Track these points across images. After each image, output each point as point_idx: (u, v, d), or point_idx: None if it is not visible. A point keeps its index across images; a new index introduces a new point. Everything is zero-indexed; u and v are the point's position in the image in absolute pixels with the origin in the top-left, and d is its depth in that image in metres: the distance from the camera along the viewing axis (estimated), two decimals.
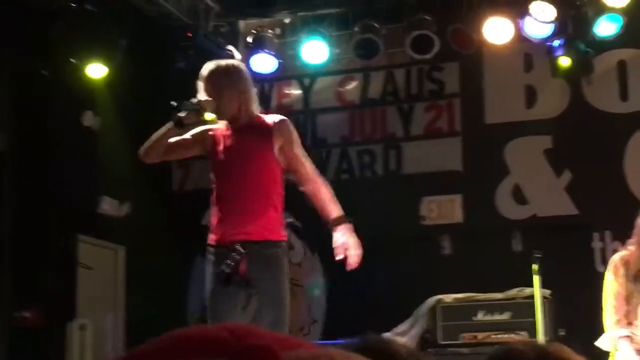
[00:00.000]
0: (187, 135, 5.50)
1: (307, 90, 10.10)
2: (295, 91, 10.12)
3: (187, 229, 9.53)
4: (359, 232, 8.70)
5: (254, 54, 8.95)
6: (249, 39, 9.08)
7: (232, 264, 5.17)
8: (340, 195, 9.51)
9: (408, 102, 9.83)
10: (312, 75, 9.97)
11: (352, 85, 10.00)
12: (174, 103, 5.39)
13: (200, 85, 5.43)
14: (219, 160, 5.44)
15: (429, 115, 9.73)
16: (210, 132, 5.51)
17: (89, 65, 8.64)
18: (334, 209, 5.44)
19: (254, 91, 5.59)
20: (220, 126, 5.50)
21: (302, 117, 9.96)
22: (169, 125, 5.38)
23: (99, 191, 9.61)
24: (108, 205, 9.69)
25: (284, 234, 5.44)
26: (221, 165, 5.43)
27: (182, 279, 9.76)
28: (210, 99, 5.34)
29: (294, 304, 9.33)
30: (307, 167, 5.54)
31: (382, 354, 1.11)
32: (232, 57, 8.60)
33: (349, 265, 5.43)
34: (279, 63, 9.11)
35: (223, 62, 5.72)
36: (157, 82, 9.09)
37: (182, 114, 5.33)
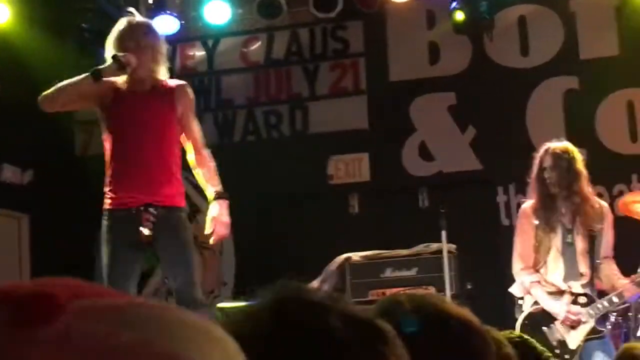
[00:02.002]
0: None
1: (210, 51, 9.99)
2: (199, 52, 10.00)
3: (92, 195, 9.38)
4: (266, 192, 8.69)
5: (155, 15, 8.78)
6: (150, 0, 8.92)
7: (150, 227, 5.15)
8: (248, 156, 9.52)
9: (313, 62, 9.81)
10: (216, 36, 9.87)
11: (256, 45, 9.93)
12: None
13: (114, 40, 5.27)
14: (121, 121, 5.31)
15: (334, 74, 9.73)
16: (111, 87, 5.34)
17: None
18: (217, 183, 5.42)
19: (165, 55, 5.50)
20: (120, 83, 5.36)
21: (207, 78, 9.87)
22: (85, 76, 5.19)
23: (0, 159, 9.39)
24: (10, 173, 9.47)
25: (184, 201, 5.41)
26: (123, 127, 5.30)
27: (89, 245, 9.62)
28: (134, 56, 5.19)
29: (203, 266, 9.32)
30: (198, 135, 5.49)
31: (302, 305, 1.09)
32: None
33: (213, 240, 5.39)
34: (181, 24, 8.97)
35: (142, 20, 5.59)
36: (59, 43, 8.88)
37: (101, 67, 5.20)
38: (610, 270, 5.90)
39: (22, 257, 9.65)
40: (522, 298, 5.98)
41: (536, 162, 5.96)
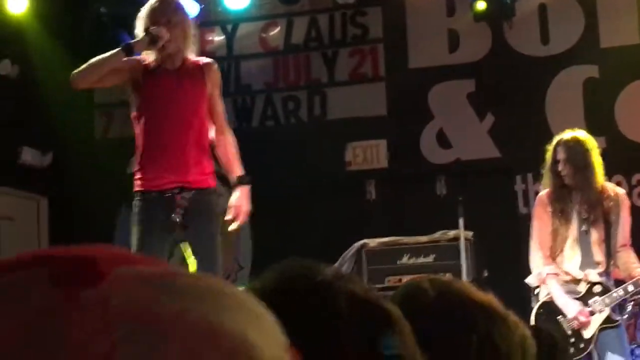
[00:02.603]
0: None
1: (230, 36, 9.99)
2: (218, 37, 10.00)
3: (110, 178, 9.43)
4: (283, 178, 8.73)
5: None
6: None
7: (182, 211, 5.16)
8: (266, 141, 9.52)
9: (332, 48, 9.79)
10: (235, 21, 9.87)
11: (275, 31, 9.92)
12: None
13: (145, 16, 5.28)
14: (151, 99, 5.29)
15: (353, 60, 9.71)
16: (141, 64, 5.33)
17: None
18: (238, 168, 5.45)
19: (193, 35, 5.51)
20: (150, 60, 5.34)
21: (226, 63, 9.86)
22: (117, 51, 5.22)
23: (19, 142, 9.43)
24: (29, 156, 9.51)
25: (215, 181, 5.41)
26: (153, 104, 5.28)
27: (107, 228, 9.67)
28: (165, 30, 5.21)
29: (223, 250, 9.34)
30: (222, 116, 5.49)
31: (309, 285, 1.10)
32: None
33: (233, 226, 5.41)
34: (201, 9, 8.98)
35: None
36: (78, 27, 8.91)
37: (132, 42, 5.24)
38: (627, 259, 5.88)
39: (41, 239, 9.70)
40: (538, 287, 5.98)
41: (549, 154, 5.94)
